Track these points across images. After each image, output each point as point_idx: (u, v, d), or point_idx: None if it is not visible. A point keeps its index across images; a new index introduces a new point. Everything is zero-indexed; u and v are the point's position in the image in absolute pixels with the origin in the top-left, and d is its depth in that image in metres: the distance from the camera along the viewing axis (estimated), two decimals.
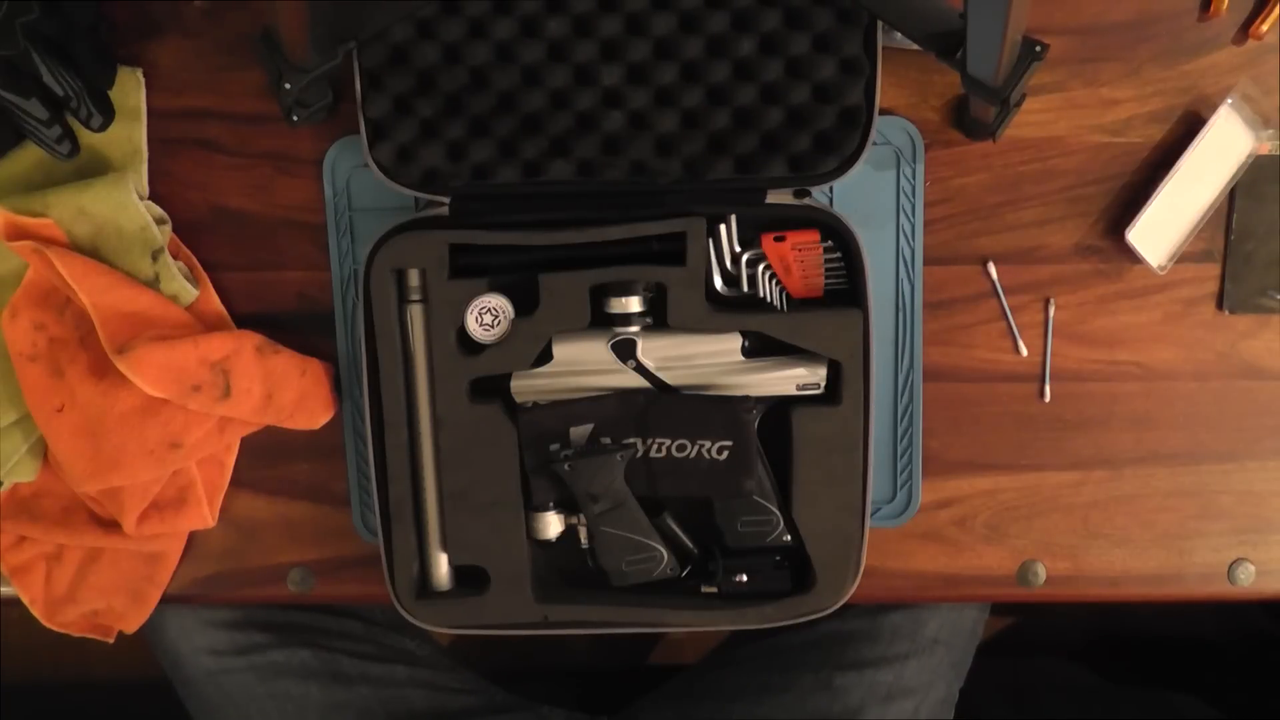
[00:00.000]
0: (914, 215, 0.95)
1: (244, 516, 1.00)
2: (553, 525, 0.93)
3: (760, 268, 0.91)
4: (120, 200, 0.91)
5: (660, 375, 0.91)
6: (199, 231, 0.97)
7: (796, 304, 0.92)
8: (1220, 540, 0.98)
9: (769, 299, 0.92)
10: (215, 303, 0.96)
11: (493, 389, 0.92)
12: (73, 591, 0.99)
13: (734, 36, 0.88)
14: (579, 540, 0.94)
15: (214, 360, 0.91)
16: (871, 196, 0.94)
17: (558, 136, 0.90)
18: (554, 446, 0.91)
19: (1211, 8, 0.93)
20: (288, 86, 0.85)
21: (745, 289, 0.91)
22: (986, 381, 0.97)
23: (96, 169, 0.94)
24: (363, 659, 1.13)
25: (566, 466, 0.90)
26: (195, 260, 0.96)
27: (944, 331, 0.96)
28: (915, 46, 0.86)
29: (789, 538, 0.93)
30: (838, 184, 0.93)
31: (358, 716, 1.10)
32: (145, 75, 0.94)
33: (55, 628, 1.00)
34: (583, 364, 0.91)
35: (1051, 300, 0.96)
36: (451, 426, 0.92)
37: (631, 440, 0.91)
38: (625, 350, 0.90)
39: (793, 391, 0.91)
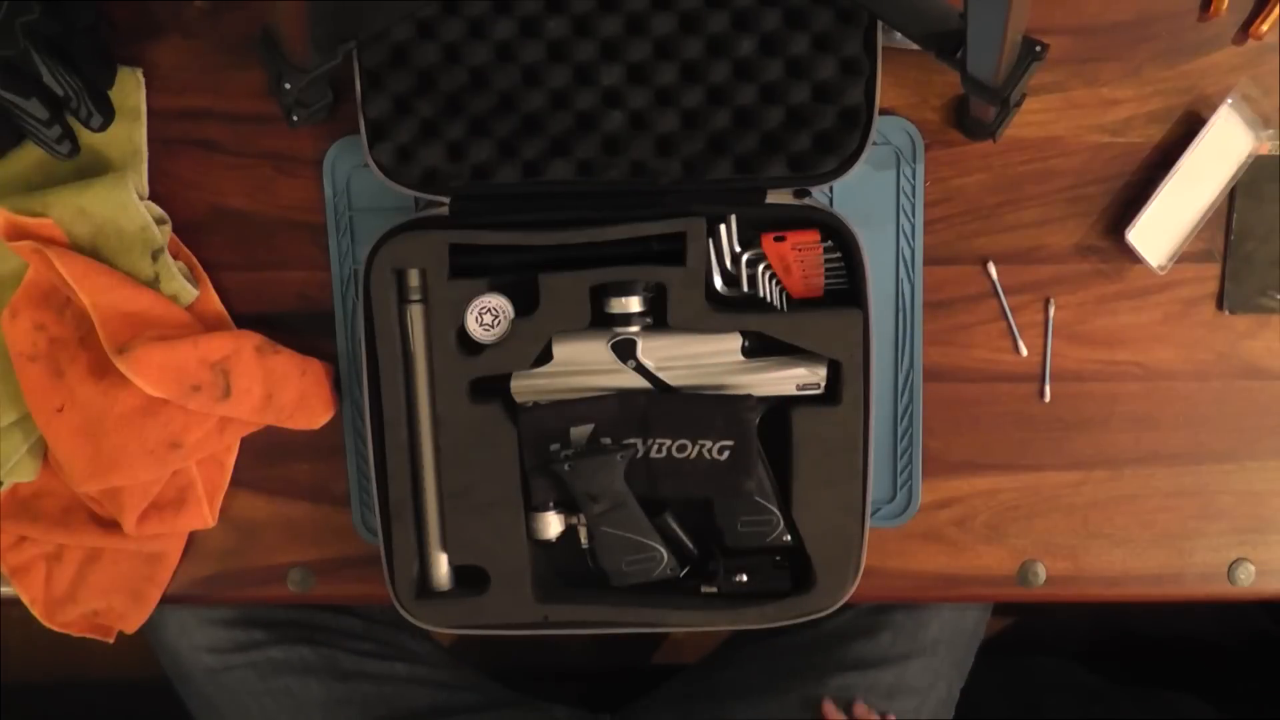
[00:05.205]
0: (914, 215, 0.95)
1: (244, 516, 1.00)
2: (553, 525, 0.93)
3: (760, 268, 0.91)
4: (120, 200, 0.91)
5: (660, 375, 0.91)
6: (199, 231, 0.97)
7: (796, 304, 0.92)
8: (1220, 540, 0.98)
9: (769, 299, 0.92)
10: (215, 303, 0.96)
11: (493, 389, 0.92)
12: (73, 591, 0.99)
13: (734, 36, 0.88)
14: (579, 540, 0.94)
15: (214, 360, 0.91)
16: (871, 196, 0.94)
17: (558, 136, 0.90)
18: (554, 446, 0.91)
19: (1211, 8, 0.93)
20: (288, 86, 0.85)
21: (745, 289, 0.91)
22: (986, 381, 0.97)
23: (96, 169, 0.94)
24: (362, 656, 1.13)
25: (566, 466, 0.90)
26: (195, 260, 0.96)
27: (944, 331, 0.96)
28: (915, 46, 0.86)
29: (789, 538, 0.93)
30: (838, 184, 0.93)
31: (358, 712, 1.11)
32: (145, 75, 0.94)
33: (55, 628, 1.00)
34: (583, 364, 0.91)
35: (1051, 300, 0.96)
36: (451, 426, 0.92)
37: (632, 440, 0.91)
38: (625, 350, 0.90)
39: (793, 391, 0.91)
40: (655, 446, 0.91)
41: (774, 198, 0.90)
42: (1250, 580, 0.98)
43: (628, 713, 1.20)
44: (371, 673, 1.13)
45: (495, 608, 0.94)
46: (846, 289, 0.91)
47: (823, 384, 0.90)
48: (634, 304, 0.90)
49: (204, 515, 0.97)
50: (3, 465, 0.94)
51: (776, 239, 0.90)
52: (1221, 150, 0.92)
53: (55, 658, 1.50)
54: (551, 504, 0.93)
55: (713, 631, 1.12)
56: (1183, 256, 0.94)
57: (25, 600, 0.99)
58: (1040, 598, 0.99)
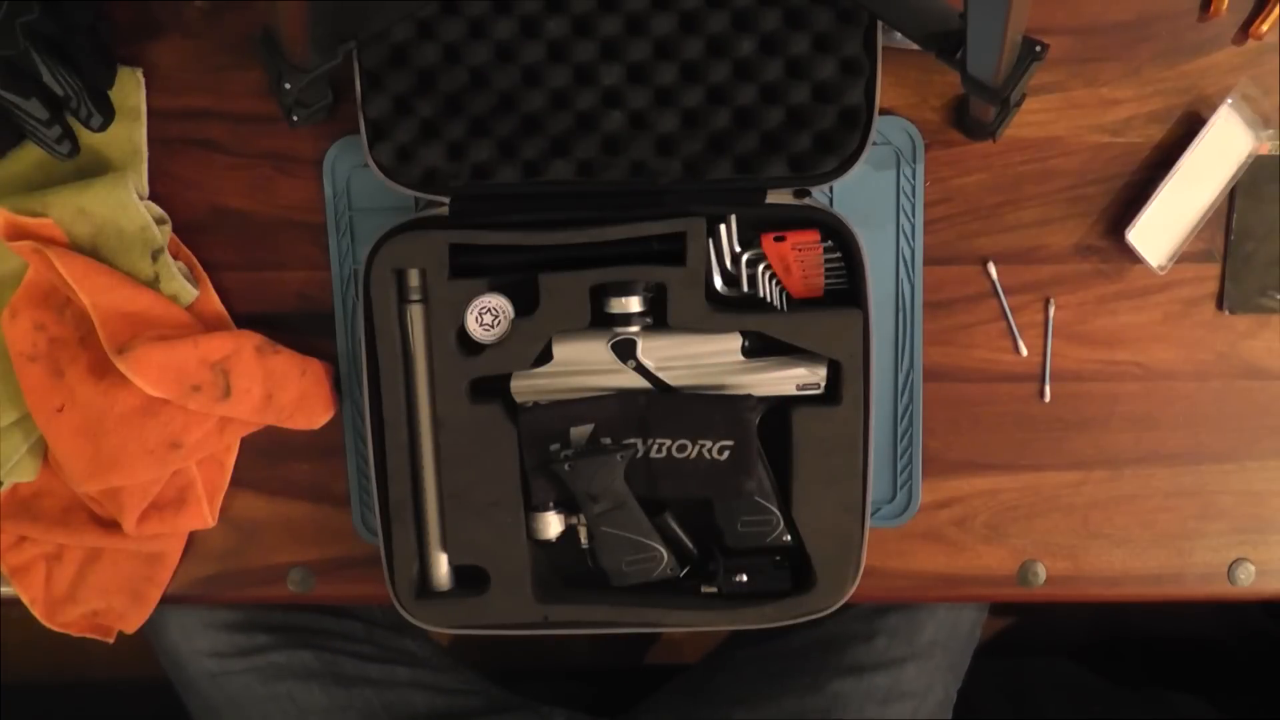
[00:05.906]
0: (914, 215, 0.95)
1: (244, 516, 1.00)
2: (553, 525, 0.93)
3: (760, 268, 0.91)
4: (120, 200, 0.91)
5: (660, 375, 0.91)
6: (199, 231, 0.97)
7: (796, 304, 0.92)
8: (1220, 540, 0.98)
9: (769, 299, 0.92)
10: (215, 303, 0.96)
11: (493, 389, 0.92)
12: (73, 591, 0.99)
13: (734, 36, 0.88)
14: (579, 540, 0.94)
15: (214, 360, 0.91)
16: (871, 196, 0.94)
17: (558, 136, 0.90)
18: (554, 446, 0.91)
19: (1211, 8, 0.93)
20: (288, 86, 0.85)
21: (745, 289, 0.91)
22: (986, 381, 0.97)
23: (96, 169, 0.94)
24: (364, 660, 1.13)
25: (566, 466, 0.90)
26: (195, 260, 0.96)
27: (944, 331, 0.96)
28: (915, 46, 0.86)
29: (789, 538, 0.93)
30: (838, 184, 0.93)
31: (359, 718, 1.10)
32: (145, 75, 0.94)
33: (55, 628, 1.00)
34: (583, 364, 0.91)
35: (1051, 300, 0.96)
36: (451, 427, 0.92)
37: (632, 440, 0.91)
38: (625, 350, 0.90)
39: (793, 391, 0.91)
40: (655, 446, 0.91)
41: (774, 198, 0.90)
42: (1250, 580, 0.98)
43: (629, 715, 1.20)
44: (373, 678, 1.13)
45: (495, 608, 0.94)
46: (846, 289, 0.91)
47: (823, 384, 0.90)
48: (634, 304, 0.90)
49: (204, 515, 0.97)
50: (3, 465, 0.94)
51: (776, 239, 0.90)
52: (1221, 150, 0.92)
53: (55, 658, 1.50)
54: (551, 504, 0.93)
55: (713, 631, 1.12)
56: (1183, 256, 0.94)
57: (25, 600, 0.99)
58: (1040, 598, 0.99)
